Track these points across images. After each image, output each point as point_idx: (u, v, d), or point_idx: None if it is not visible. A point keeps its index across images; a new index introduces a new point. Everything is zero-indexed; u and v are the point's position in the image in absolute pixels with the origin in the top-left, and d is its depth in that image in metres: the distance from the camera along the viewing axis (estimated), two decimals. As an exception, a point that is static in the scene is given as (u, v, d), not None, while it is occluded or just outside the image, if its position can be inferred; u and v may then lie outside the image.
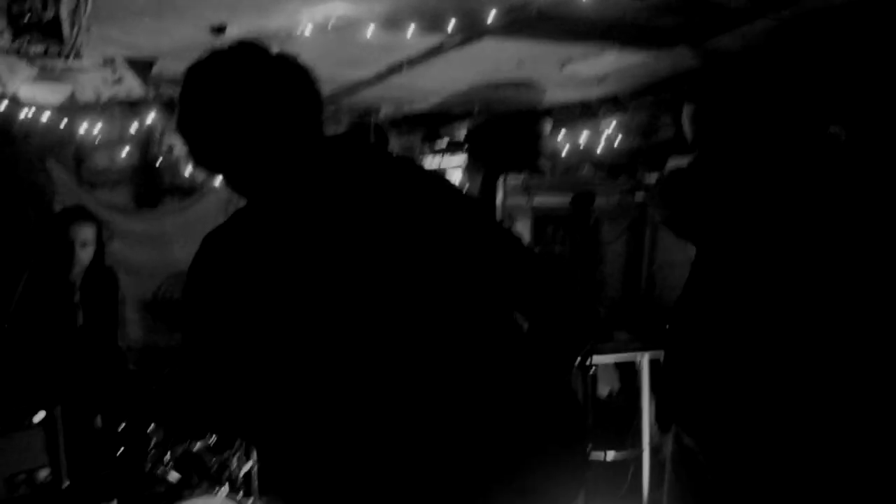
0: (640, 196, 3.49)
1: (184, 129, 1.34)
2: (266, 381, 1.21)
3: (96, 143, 4.45)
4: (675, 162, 2.41)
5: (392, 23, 3.00)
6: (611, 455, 3.09)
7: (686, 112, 2.26)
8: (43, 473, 1.98)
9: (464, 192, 1.47)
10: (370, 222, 1.25)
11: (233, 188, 1.35)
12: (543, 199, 2.97)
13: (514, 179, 2.99)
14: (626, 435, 2.55)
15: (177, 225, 4.74)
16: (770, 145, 2.17)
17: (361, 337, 1.19)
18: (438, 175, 1.46)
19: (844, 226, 2.12)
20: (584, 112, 4.68)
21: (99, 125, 4.38)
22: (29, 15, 2.73)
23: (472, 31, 3.08)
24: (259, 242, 1.25)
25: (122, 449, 3.00)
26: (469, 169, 4.66)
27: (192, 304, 1.27)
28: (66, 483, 2.02)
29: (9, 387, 3.32)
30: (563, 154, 5.20)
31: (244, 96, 1.28)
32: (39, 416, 1.98)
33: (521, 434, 1.25)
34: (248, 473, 3.17)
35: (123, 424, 3.05)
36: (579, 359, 2.21)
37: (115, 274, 3.63)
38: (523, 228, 2.99)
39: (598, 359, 2.65)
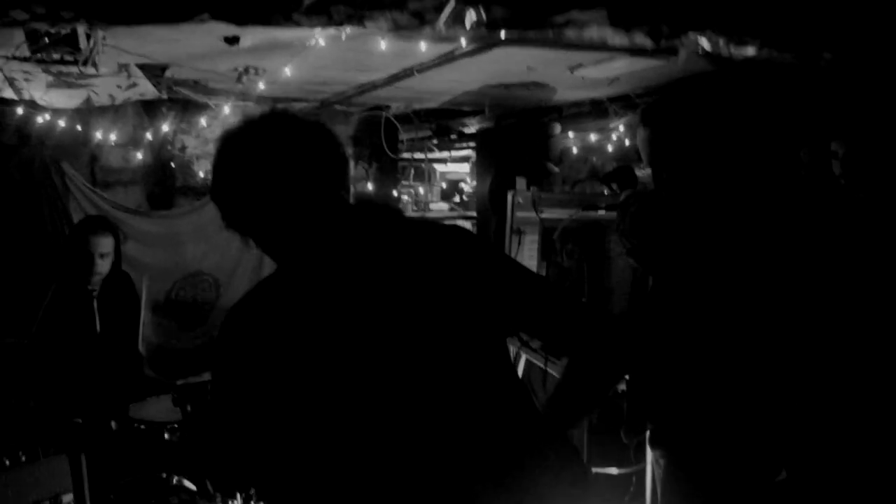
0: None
1: (217, 196, 1.42)
2: (282, 441, 1.26)
3: (111, 143, 4.49)
4: (626, 193, 2.45)
5: (405, 35, 3.00)
6: (614, 470, 3.16)
7: (640, 135, 2.28)
8: (67, 499, 2.04)
9: (482, 243, 1.48)
10: (386, 290, 1.29)
11: (264, 251, 1.40)
12: (551, 213, 2.99)
13: (523, 194, 3.02)
14: (630, 450, 2.60)
15: (190, 226, 4.78)
16: (728, 171, 2.20)
17: (371, 400, 1.24)
18: (457, 232, 1.46)
19: (807, 251, 2.18)
20: (594, 111, 4.69)
21: (113, 126, 4.43)
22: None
23: (483, 41, 3.09)
24: (281, 309, 1.30)
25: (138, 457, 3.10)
26: (479, 170, 4.69)
27: (220, 368, 1.32)
28: (89, 506, 2.09)
29: (35, 403, 3.42)
30: (574, 153, 5.24)
31: (274, 165, 1.32)
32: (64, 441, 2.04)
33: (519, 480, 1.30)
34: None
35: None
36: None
37: (131, 279, 3.69)
38: (531, 242, 3.02)
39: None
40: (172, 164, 4.91)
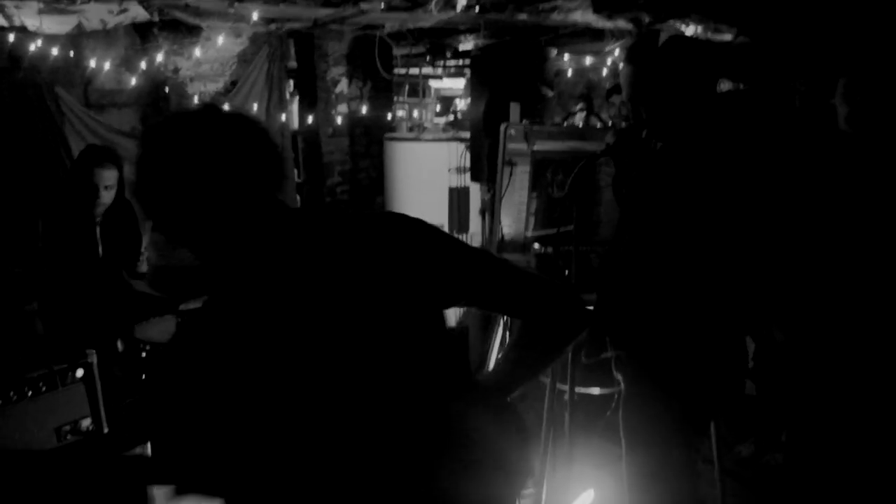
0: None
1: (140, 195, 1.29)
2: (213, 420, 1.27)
3: (104, 66, 4.47)
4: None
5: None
6: (596, 391, 3.34)
7: (623, 72, 2.32)
8: (85, 423, 2.19)
9: (415, 228, 1.43)
10: (309, 281, 1.30)
11: (194, 254, 1.33)
12: (543, 145, 3.04)
13: (515, 127, 3.06)
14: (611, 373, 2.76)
15: (185, 148, 4.80)
16: (715, 107, 2.26)
17: (299, 386, 1.27)
18: (388, 221, 1.42)
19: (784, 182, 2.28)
20: (590, 32, 4.66)
21: (106, 49, 4.40)
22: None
23: (473, 22, 3.07)
24: (214, 309, 1.32)
25: (143, 376, 3.26)
26: (473, 92, 4.69)
27: (166, 360, 1.38)
28: (106, 429, 2.24)
29: (46, 331, 3.54)
30: (569, 76, 5.23)
31: (199, 160, 1.25)
32: (80, 372, 2.17)
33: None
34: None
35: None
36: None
37: (132, 206, 3.75)
38: (523, 173, 3.08)
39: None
40: (166, 87, 4.90)
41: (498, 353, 3.65)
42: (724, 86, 3.85)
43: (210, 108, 1.34)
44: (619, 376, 2.47)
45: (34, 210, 3.59)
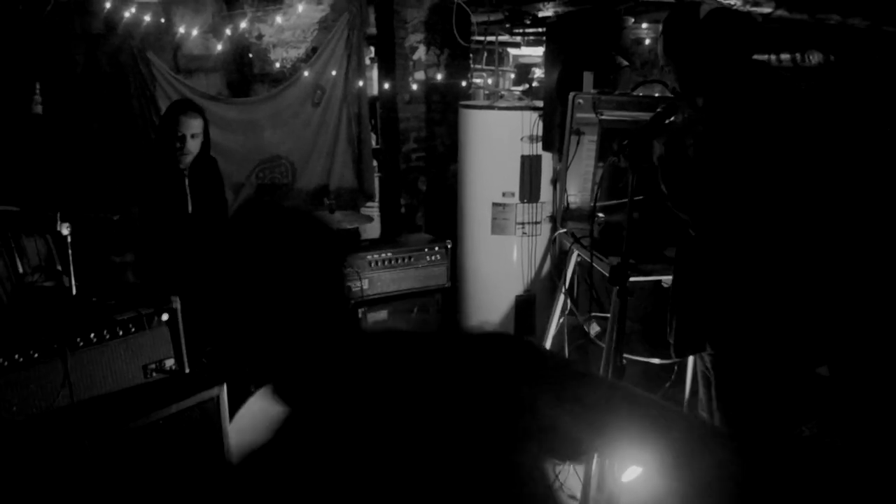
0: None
1: None
2: None
3: (192, 32, 4.68)
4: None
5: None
6: (656, 361, 3.36)
7: (659, 42, 2.36)
8: (169, 363, 2.38)
9: None
10: None
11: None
12: (612, 115, 3.06)
13: (583, 96, 3.08)
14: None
15: (268, 112, 4.99)
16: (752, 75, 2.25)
17: None
18: None
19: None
20: (669, 3, 4.58)
21: (194, 15, 4.59)
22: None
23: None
24: None
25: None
26: (547, 61, 4.69)
27: None
28: (188, 370, 2.43)
29: (138, 280, 3.79)
30: (646, 45, 5.15)
31: None
32: (165, 316, 2.35)
33: None
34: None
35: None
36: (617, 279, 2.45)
37: (217, 163, 3.95)
38: (590, 142, 3.11)
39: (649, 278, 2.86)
40: (250, 53, 5.08)
41: (559, 317, 3.71)
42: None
43: None
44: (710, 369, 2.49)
45: (129, 169, 3.83)
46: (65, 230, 2.69)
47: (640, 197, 2.49)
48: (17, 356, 2.05)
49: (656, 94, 3.61)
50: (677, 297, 2.45)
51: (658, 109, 2.36)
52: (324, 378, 1.28)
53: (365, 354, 1.31)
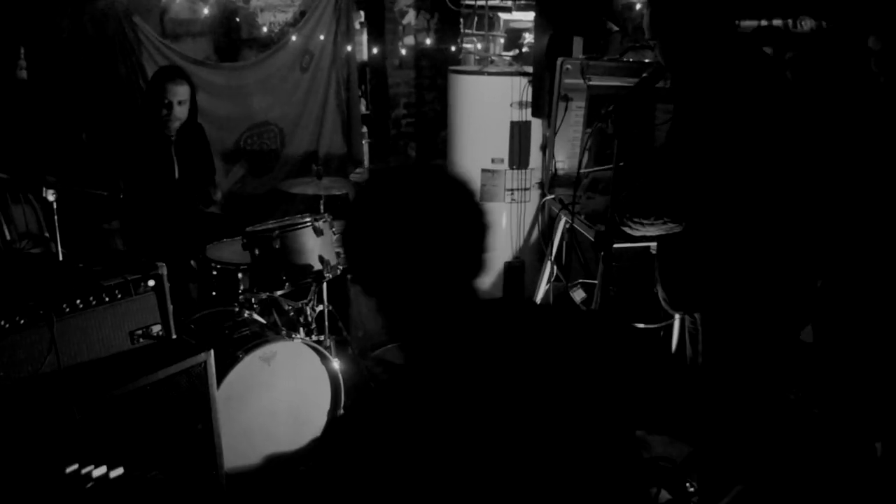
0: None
1: None
2: None
3: (178, -5, 4.62)
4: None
5: None
6: (641, 325, 3.39)
7: (645, 18, 2.35)
8: (156, 329, 2.38)
9: None
10: None
11: None
12: (600, 81, 3.05)
13: (572, 62, 3.07)
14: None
15: (256, 78, 4.94)
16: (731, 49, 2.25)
17: None
18: None
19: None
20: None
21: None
22: None
23: None
24: None
25: (214, 293, 3.47)
26: (537, 26, 4.65)
27: None
28: (174, 336, 2.44)
29: (129, 250, 3.79)
30: (637, 10, 5.11)
31: None
32: (151, 282, 2.36)
33: None
34: (321, 316, 3.62)
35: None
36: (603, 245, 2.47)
37: (203, 129, 3.94)
38: (578, 108, 3.10)
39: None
40: (237, 17, 5.02)
41: (546, 284, 3.74)
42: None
43: None
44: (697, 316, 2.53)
45: (115, 135, 3.81)
46: (50, 196, 2.68)
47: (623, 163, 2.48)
48: (2, 322, 2.06)
49: (646, 60, 3.59)
50: (663, 260, 2.48)
51: (644, 74, 2.35)
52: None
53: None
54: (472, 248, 1.32)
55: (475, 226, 1.32)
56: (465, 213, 1.31)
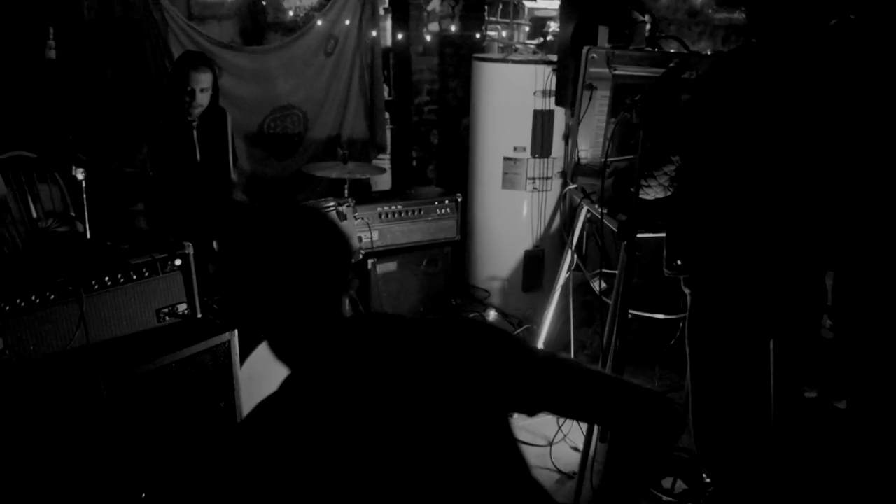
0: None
1: (226, 282, 1.37)
2: None
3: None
4: None
5: None
6: (661, 316, 3.39)
7: None
8: (182, 307, 2.42)
9: (487, 335, 1.41)
10: (381, 398, 1.29)
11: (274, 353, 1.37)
12: (625, 70, 3.04)
13: (597, 51, 3.06)
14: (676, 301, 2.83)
15: (280, 61, 4.96)
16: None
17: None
18: (461, 327, 1.40)
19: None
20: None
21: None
22: None
23: None
24: (286, 413, 1.31)
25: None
26: (563, 14, 4.63)
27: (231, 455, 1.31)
28: (199, 315, 2.48)
29: (154, 227, 3.83)
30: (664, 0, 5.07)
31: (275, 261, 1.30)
32: (178, 261, 2.39)
33: None
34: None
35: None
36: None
37: (226, 114, 3.97)
38: (602, 97, 3.09)
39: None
40: (263, 1, 5.03)
41: (567, 273, 3.74)
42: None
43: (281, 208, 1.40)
44: (687, 290, 2.55)
45: (140, 116, 3.85)
46: (79, 175, 2.71)
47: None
48: (33, 297, 2.10)
49: (671, 51, 3.57)
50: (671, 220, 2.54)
51: (671, 65, 2.34)
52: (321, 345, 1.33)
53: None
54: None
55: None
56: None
